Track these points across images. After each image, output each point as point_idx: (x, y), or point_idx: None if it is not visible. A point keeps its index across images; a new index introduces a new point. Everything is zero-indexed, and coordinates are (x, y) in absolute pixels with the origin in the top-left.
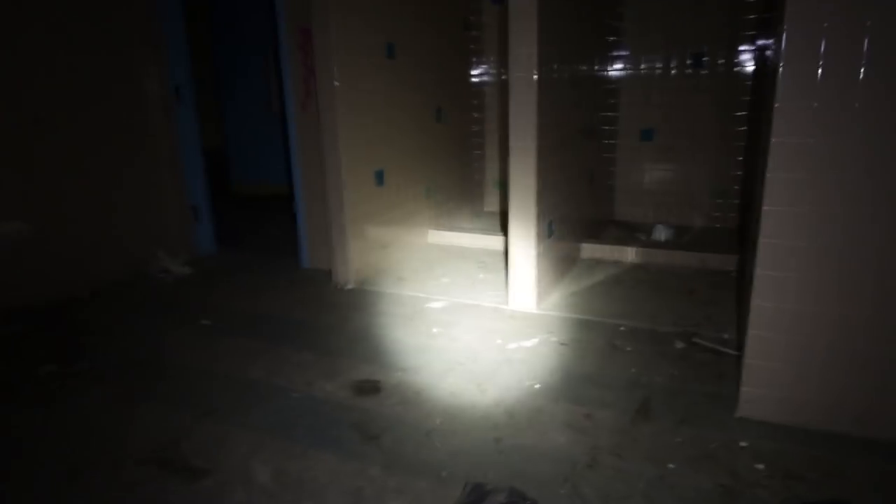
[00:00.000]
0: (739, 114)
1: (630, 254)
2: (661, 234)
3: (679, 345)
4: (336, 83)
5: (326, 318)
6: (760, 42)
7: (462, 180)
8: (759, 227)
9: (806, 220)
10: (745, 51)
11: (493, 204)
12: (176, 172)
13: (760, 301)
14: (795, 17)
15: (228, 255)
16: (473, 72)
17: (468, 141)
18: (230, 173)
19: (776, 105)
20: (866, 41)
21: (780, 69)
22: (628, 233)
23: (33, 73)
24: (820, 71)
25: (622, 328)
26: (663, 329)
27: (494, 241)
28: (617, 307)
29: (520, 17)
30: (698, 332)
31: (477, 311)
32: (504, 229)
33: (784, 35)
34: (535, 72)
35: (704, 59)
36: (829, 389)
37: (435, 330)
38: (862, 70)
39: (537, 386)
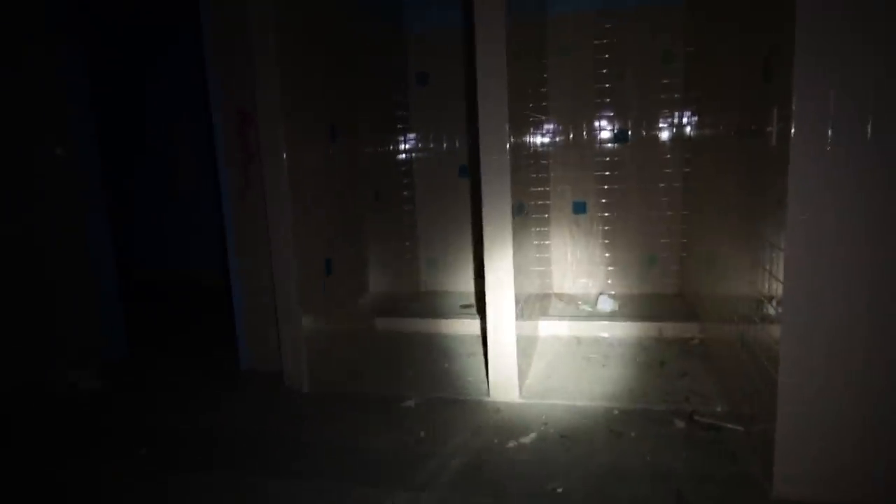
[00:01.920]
0: (662, 184)
1: (586, 328)
2: (607, 304)
3: (679, 424)
4: (284, 167)
5: (292, 432)
6: (678, 115)
7: (400, 261)
8: (782, 303)
9: (829, 294)
10: (664, 124)
11: (428, 284)
12: (80, 266)
13: (788, 378)
14: (803, 100)
15: (147, 361)
16: (402, 148)
17: (402, 220)
18: (133, 261)
19: (790, 184)
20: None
21: (792, 148)
22: (572, 305)
23: None
24: (829, 148)
25: (615, 411)
26: (656, 408)
27: (448, 325)
28: (600, 388)
29: (489, 100)
30: (693, 409)
31: (456, 407)
32: (440, 312)
33: (793, 119)
34: (507, 154)
35: (629, 131)
36: (865, 466)
37: (422, 434)
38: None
39: (560, 490)
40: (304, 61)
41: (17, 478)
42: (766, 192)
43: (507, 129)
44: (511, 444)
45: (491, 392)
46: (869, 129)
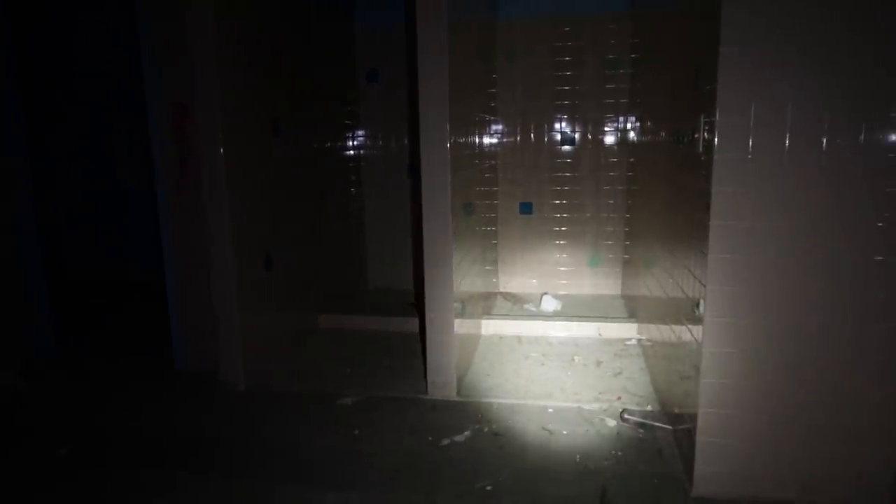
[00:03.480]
0: (607, 187)
1: (528, 327)
2: (549, 304)
3: (610, 423)
4: (223, 162)
5: (225, 430)
6: (623, 120)
7: (346, 258)
8: (704, 305)
9: (748, 297)
10: (609, 129)
11: (375, 281)
12: (4, 262)
13: (709, 378)
14: (725, 113)
15: (77, 360)
16: (349, 145)
17: (349, 217)
18: (62, 256)
19: (714, 189)
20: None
21: (714, 157)
22: (518, 304)
23: None
24: (749, 157)
25: (549, 410)
26: (588, 407)
27: (391, 323)
28: (535, 387)
29: (430, 99)
30: (624, 408)
31: (394, 404)
32: (384, 309)
33: (716, 127)
34: (448, 152)
35: (576, 134)
36: (778, 461)
37: (356, 432)
38: (785, 156)
39: (489, 488)
40: (246, 53)
41: None
42: (694, 197)
43: (448, 128)
44: (445, 441)
45: (429, 390)
46: (786, 140)
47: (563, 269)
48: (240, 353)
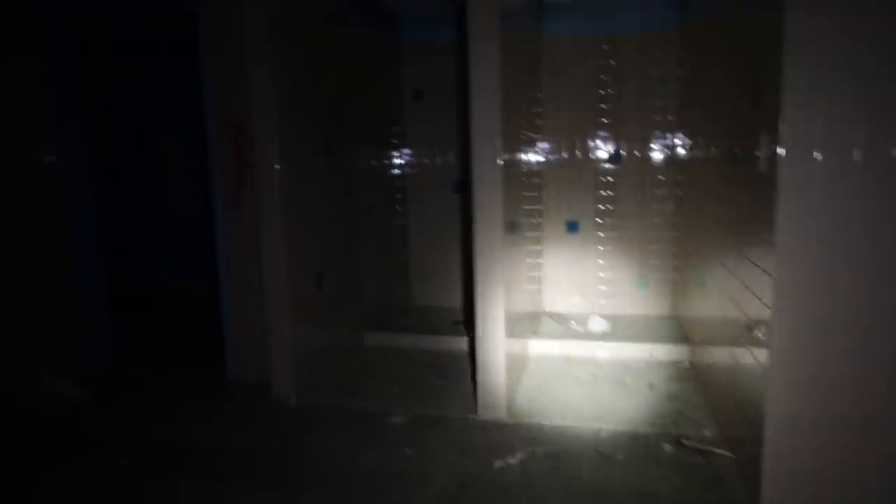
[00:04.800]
0: (654, 205)
1: (576, 348)
2: (597, 325)
3: (668, 448)
4: (278, 179)
5: (278, 444)
6: (671, 137)
7: (391, 275)
8: (770, 327)
9: (817, 319)
10: (656, 146)
11: (420, 298)
12: (66, 273)
13: (776, 404)
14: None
15: (132, 371)
16: (395, 163)
17: (395, 234)
18: (120, 269)
19: (779, 207)
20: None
21: (779, 173)
22: (563, 324)
23: None
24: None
25: (603, 433)
26: (644, 431)
27: (437, 342)
28: (588, 409)
29: (482, 117)
30: (681, 433)
31: (444, 424)
32: (429, 327)
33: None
34: (499, 170)
35: (621, 151)
36: (849, 490)
37: (408, 451)
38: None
39: None
40: (300, 75)
41: (12, 487)
42: (756, 215)
43: (499, 146)
44: (497, 464)
45: (479, 410)
46: (856, 155)
47: (608, 288)
48: (291, 367)
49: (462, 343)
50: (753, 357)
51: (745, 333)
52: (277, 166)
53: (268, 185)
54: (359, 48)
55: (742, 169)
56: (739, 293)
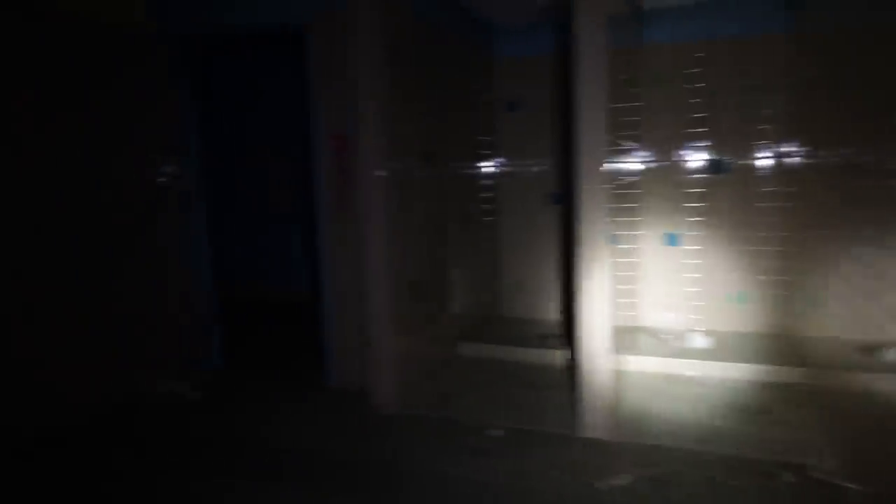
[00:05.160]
0: (758, 218)
1: (676, 366)
2: (699, 341)
3: (788, 478)
4: (382, 189)
5: (381, 455)
6: (778, 147)
7: (484, 287)
8: None
9: None
10: (761, 156)
11: (509, 309)
12: (183, 281)
13: None
14: None
15: (240, 374)
16: (488, 173)
17: (487, 245)
18: (224, 278)
19: None
20: None
21: None
22: (661, 340)
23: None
24: None
25: (713, 458)
26: (759, 458)
27: (531, 354)
28: (694, 431)
29: (587, 128)
30: (801, 461)
31: (544, 439)
32: (521, 339)
33: None
34: (604, 182)
35: (723, 161)
36: None
37: (507, 466)
38: None
39: None
40: (401, 88)
41: (131, 485)
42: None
43: (604, 158)
44: (601, 485)
45: (579, 427)
46: None
47: (706, 303)
48: (389, 376)
49: (554, 356)
50: (887, 382)
51: (872, 355)
52: (381, 174)
53: (371, 195)
54: (455, 60)
55: (878, 180)
56: (865, 312)
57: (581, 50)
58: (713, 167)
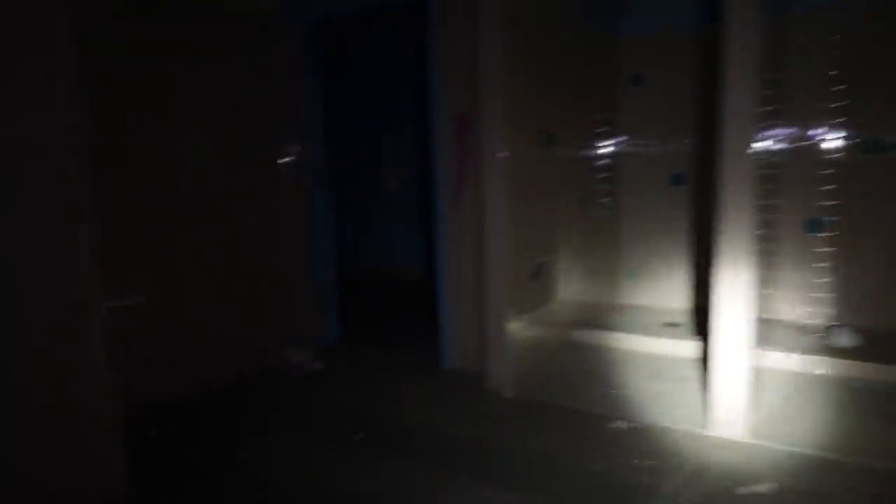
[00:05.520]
0: None
1: (817, 364)
2: (845, 338)
3: None
4: (503, 170)
5: (498, 438)
6: None
7: (600, 271)
8: None
9: None
10: None
11: (627, 296)
12: (306, 257)
13: None
14: None
15: (355, 349)
16: (607, 152)
17: (604, 228)
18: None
19: None
20: None
21: None
22: (800, 335)
23: (187, 159)
24: None
25: (867, 470)
26: None
27: (652, 343)
28: (847, 440)
29: (734, 106)
30: None
31: (671, 436)
32: (639, 327)
33: None
34: (750, 163)
35: (880, 142)
36: None
37: (637, 462)
38: None
39: None
40: (524, 65)
41: (265, 451)
42: None
43: (751, 139)
44: (742, 490)
45: (710, 425)
46: None
47: (853, 297)
48: (508, 360)
49: (677, 347)
50: None
51: None
52: (503, 154)
53: (492, 174)
54: (578, 34)
55: None
56: None
57: (731, 26)
58: (867, 146)
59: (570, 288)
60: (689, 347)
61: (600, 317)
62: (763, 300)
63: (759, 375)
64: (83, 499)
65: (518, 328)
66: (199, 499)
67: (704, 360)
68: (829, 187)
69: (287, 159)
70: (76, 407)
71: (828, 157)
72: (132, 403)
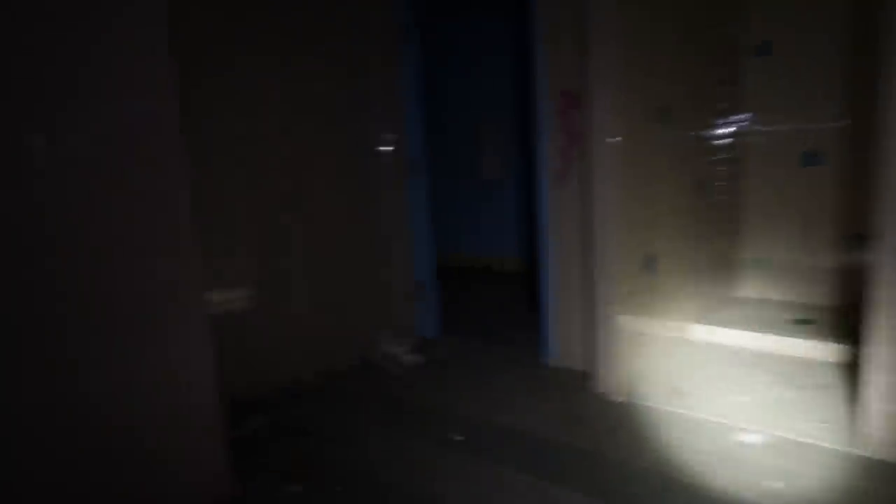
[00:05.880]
0: None
1: None
2: None
3: None
4: (614, 153)
5: (610, 448)
6: None
7: (721, 261)
8: None
9: None
10: None
11: (750, 289)
12: (404, 246)
13: None
14: None
15: (454, 342)
16: (729, 130)
17: (725, 214)
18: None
19: None
20: None
21: None
22: None
23: (288, 151)
24: None
25: None
26: None
27: (782, 344)
28: None
29: None
30: None
31: (812, 454)
32: (765, 324)
33: None
34: None
35: None
36: None
37: (776, 485)
38: None
39: None
40: (635, 39)
41: (356, 443)
42: None
43: None
44: None
45: (861, 444)
46: None
47: None
48: (617, 360)
49: (815, 348)
50: None
51: None
52: (613, 135)
53: (602, 158)
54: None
55: None
56: None
57: None
58: None
59: (686, 279)
60: (828, 350)
61: (719, 311)
62: None
63: None
64: (193, 497)
65: (629, 324)
66: (299, 498)
67: (852, 365)
68: None
69: (385, 148)
70: (184, 405)
71: None
72: (230, 398)
